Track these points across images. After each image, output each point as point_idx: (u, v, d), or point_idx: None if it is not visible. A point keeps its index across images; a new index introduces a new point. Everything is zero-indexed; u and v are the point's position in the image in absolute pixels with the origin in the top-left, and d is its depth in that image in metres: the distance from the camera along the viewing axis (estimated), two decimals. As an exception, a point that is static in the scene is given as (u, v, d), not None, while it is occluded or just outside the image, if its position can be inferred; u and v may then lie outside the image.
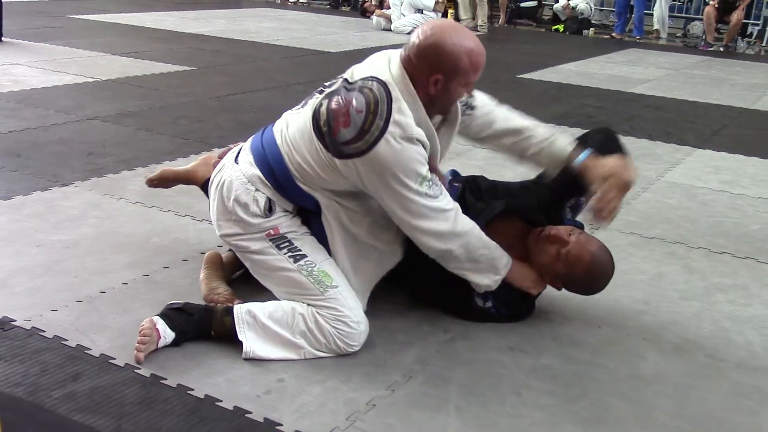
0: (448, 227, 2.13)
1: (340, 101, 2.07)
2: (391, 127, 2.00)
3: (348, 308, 2.12)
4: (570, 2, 11.17)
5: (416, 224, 2.11)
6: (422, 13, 9.90)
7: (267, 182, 2.17)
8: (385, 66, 2.10)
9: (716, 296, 2.71)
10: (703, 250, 3.11)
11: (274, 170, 2.17)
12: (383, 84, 2.05)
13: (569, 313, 2.48)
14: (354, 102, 2.04)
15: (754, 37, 10.86)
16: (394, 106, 2.02)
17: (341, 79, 2.16)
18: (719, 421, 1.99)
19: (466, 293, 2.33)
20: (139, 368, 2.02)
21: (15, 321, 2.23)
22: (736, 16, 9.87)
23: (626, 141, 4.86)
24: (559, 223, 2.43)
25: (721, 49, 9.97)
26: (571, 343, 2.31)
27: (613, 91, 6.60)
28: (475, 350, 2.24)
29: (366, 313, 2.19)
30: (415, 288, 2.49)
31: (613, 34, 10.90)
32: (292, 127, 2.18)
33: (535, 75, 7.26)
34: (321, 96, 2.16)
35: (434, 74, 2.05)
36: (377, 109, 2.01)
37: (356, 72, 2.14)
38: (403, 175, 2.03)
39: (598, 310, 2.53)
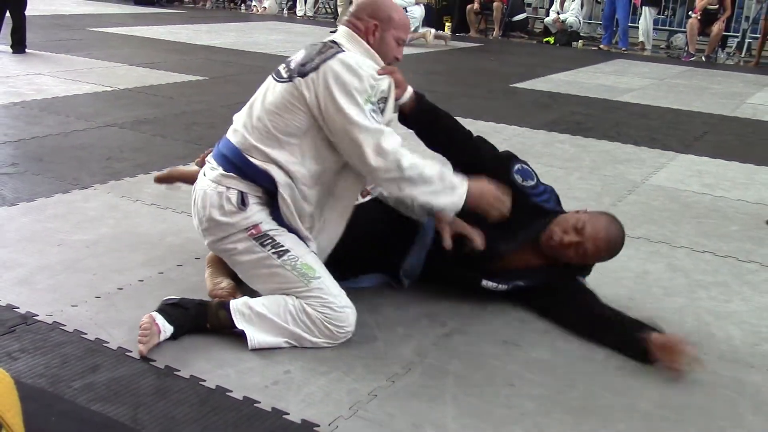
0: (390, 146, 2.10)
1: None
2: (342, 52, 2.15)
3: (332, 295, 2.12)
4: (560, 16, 11.18)
5: (363, 142, 2.09)
6: (406, 11, 9.84)
7: (230, 174, 2.17)
8: (328, 37, 2.29)
9: (698, 293, 2.70)
10: (685, 249, 3.11)
11: (230, 158, 2.19)
12: (330, 40, 2.24)
13: (559, 309, 2.47)
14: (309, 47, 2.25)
15: (733, 48, 10.85)
16: (343, 47, 2.19)
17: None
18: (701, 410, 1.98)
19: (476, 277, 2.35)
20: (155, 360, 2.02)
21: (38, 316, 2.23)
22: (717, 27, 9.87)
23: (613, 146, 4.88)
24: (518, 194, 2.35)
25: (703, 59, 9.97)
26: (561, 337, 2.31)
27: (601, 100, 6.59)
28: (470, 344, 2.24)
29: (367, 310, 2.18)
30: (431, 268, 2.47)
31: (601, 46, 10.90)
32: (244, 112, 2.25)
33: (528, 84, 7.25)
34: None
35: (372, 21, 2.23)
36: (328, 45, 2.20)
37: None
38: (352, 88, 2.09)
39: (586, 305, 2.52)
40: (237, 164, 2.17)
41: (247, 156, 2.16)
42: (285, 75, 2.19)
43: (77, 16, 10.98)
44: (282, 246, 2.15)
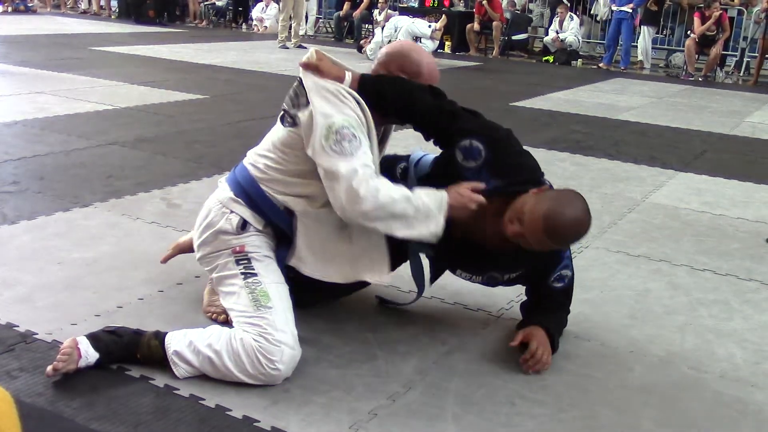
0: (361, 191, 2.01)
1: None
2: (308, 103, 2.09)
3: (273, 328, 2.03)
4: (559, 35, 11.25)
5: (327, 178, 2.06)
6: (420, 41, 9.91)
7: (239, 200, 2.18)
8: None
9: (699, 311, 2.70)
10: (686, 267, 3.11)
11: (245, 188, 2.19)
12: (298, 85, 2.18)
13: (560, 327, 2.47)
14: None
15: (732, 67, 10.91)
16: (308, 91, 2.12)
17: None
18: (703, 430, 1.98)
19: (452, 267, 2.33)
20: (154, 379, 2.01)
21: (37, 334, 2.23)
22: (715, 51, 9.96)
23: (613, 164, 4.89)
24: (462, 173, 2.13)
25: (701, 78, 10.03)
26: (562, 356, 2.30)
27: (600, 118, 6.62)
28: (471, 362, 2.23)
29: (368, 328, 2.17)
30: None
31: (601, 65, 10.96)
32: (260, 147, 2.24)
33: (527, 103, 7.28)
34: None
35: (401, 75, 2.20)
36: (298, 93, 2.15)
37: None
38: (324, 132, 2.03)
39: (587, 324, 2.52)
40: (249, 192, 2.18)
41: (262, 187, 2.17)
42: (289, 119, 2.16)
43: (79, 35, 11.06)
44: (252, 269, 2.14)
